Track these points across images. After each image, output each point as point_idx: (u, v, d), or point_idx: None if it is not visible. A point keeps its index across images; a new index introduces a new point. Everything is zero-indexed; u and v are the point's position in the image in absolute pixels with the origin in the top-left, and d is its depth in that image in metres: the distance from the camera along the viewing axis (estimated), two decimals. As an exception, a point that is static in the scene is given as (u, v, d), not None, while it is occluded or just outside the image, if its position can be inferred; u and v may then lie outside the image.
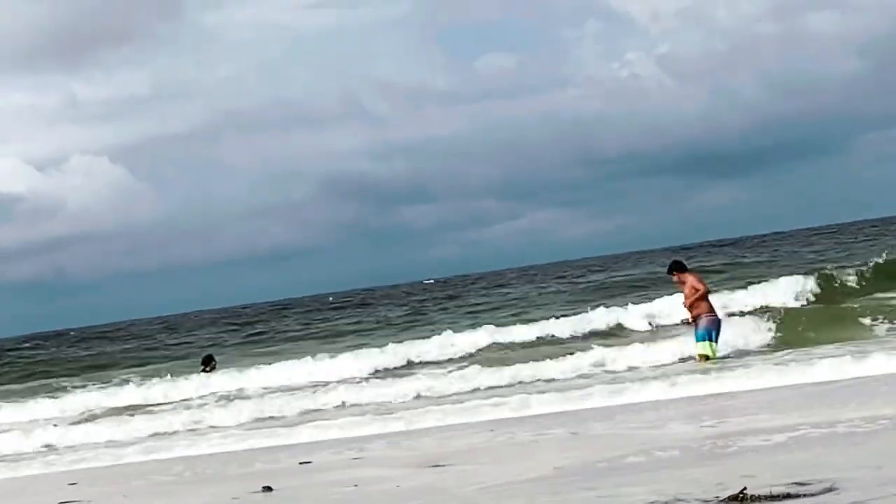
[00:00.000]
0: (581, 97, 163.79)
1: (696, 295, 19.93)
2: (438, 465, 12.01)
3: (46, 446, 20.22)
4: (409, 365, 25.84)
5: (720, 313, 20.60)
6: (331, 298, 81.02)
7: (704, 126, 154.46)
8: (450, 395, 20.25)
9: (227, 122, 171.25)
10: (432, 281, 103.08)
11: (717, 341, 20.02)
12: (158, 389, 26.15)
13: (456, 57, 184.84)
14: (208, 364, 28.59)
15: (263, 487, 11.68)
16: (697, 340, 19.96)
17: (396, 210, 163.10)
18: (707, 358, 19.68)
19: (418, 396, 20.83)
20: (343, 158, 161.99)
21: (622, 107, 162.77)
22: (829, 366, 16.86)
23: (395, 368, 25.59)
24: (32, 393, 31.28)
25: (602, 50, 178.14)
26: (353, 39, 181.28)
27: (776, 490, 8.24)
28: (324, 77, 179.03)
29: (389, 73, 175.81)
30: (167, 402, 24.81)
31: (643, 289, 39.00)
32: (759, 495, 8.15)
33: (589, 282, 53.49)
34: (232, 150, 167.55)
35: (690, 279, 20.24)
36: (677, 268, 20.54)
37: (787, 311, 24.69)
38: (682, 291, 20.43)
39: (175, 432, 19.92)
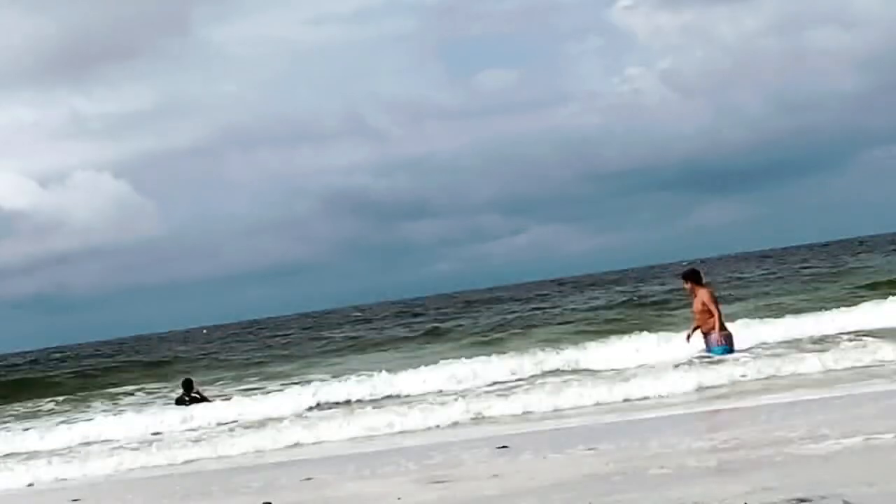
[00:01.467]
0: (583, 112, 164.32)
1: (706, 310, 19.88)
2: (443, 482, 11.97)
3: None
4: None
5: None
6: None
7: (707, 142, 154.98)
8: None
9: (231, 137, 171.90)
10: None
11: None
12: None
13: (457, 73, 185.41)
14: (190, 390, 27.45)
15: (264, 503, 11.69)
16: (716, 354, 19.92)
17: (398, 225, 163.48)
18: None
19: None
20: (345, 174, 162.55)
21: (624, 122, 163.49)
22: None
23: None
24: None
25: (604, 66, 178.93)
26: (355, 55, 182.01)
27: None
28: (326, 93, 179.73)
29: (391, 88, 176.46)
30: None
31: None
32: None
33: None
34: (235, 166, 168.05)
35: (702, 293, 20.10)
36: (692, 277, 20.38)
37: None
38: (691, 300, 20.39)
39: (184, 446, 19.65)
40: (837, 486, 8.83)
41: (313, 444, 18.02)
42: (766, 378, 18.66)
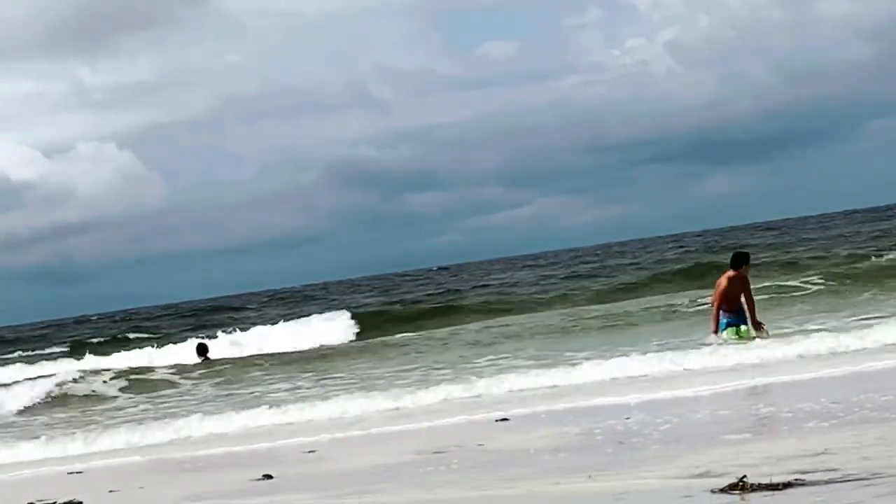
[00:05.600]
0: (586, 84, 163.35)
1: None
2: (442, 452, 11.95)
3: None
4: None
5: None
6: None
7: (712, 112, 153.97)
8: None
9: (235, 108, 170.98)
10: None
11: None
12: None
13: (459, 44, 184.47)
14: (203, 353, 28.07)
15: (263, 475, 11.70)
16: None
17: (402, 197, 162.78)
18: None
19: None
20: (349, 145, 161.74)
21: (628, 94, 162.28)
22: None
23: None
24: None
25: (607, 36, 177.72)
26: (357, 26, 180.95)
27: (776, 479, 8.19)
28: (329, 64, 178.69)
29: (394, 60, 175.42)
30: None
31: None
32: (758, 483, 8.05)
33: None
34: (240, 137, 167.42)
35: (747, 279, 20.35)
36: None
37: None
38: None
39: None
40: (834, 459, 8.87)
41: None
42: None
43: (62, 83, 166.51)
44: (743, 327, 20.06)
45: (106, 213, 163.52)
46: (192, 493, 11.44)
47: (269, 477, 11.62)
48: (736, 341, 19.68)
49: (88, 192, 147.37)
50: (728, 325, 20.10)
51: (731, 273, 20.28)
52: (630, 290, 40.28)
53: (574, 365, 19.38)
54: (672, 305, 29.95)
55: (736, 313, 20.15)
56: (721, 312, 20.11)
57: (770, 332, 20.12)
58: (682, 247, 70.68)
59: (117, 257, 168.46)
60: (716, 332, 20.10)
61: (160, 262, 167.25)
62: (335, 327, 35.77)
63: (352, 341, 34.03)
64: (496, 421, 14.29)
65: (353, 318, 37.00)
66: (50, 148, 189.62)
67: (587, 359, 19.90)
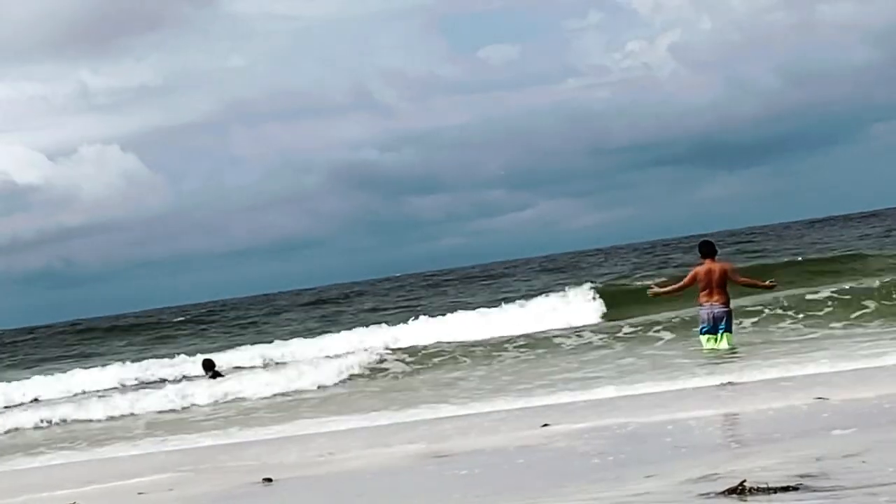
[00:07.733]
0: (588, 87, 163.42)
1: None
2: (443, 456, 11.93)
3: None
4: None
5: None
6: None
7: (715, 116, 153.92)
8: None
9: (238, 111, 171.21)
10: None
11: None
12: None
13: (461, 47, 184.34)
14: (210, 369, 27.74)
15: (264, 479, 11.70)
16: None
17: (405, 200, 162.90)
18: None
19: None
20: (352, 148, 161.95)
21: (631, 97, 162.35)
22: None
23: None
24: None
25: (609, 39, 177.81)
26: (360, 30, 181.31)
27: (774, 483, 8.18)
28: (332, 67, 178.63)
29: (397, 63, 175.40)
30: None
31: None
32: (758, 488, 8.00)
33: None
34: (243, 140, 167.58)
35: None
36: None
37: None
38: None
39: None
40: (833, 463, 8.86)
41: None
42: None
43: (66, 86, 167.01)
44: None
45: (109, 216, 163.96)
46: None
47: (268, 480, 11.62)
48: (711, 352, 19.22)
49: (92, 195, 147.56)
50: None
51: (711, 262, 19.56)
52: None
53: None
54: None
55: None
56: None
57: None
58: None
59: (120, 260, 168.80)
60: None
61: (163, 266, 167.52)
62: (577, 307, 30.99)
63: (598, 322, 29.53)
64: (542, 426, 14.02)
65: (600, 295, 31.60)
66: (54, 151, 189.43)
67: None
